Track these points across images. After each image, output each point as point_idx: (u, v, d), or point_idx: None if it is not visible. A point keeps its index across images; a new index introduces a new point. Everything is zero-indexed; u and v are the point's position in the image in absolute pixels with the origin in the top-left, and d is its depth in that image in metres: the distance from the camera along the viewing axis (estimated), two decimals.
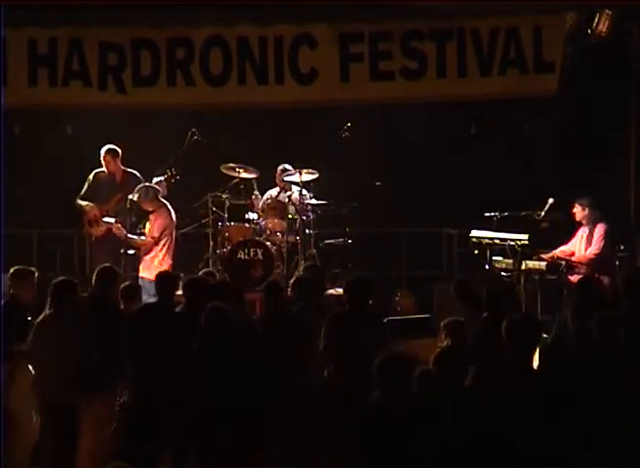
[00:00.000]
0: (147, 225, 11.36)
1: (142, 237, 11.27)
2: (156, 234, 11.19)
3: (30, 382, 7.55)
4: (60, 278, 8.04)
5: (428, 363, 7.90)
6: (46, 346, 7.64)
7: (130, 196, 11.16)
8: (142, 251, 11.25)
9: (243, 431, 6.87)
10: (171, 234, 11.30)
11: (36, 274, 8.35)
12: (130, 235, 11.16)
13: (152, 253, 11.20)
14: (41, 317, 7.89)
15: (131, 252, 11.26)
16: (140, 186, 11.17)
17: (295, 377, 7.23)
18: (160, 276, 8.44)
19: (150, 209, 11.29)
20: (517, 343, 6.27)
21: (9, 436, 7.16)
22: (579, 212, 10.92)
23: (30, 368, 7.64)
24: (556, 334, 7.44)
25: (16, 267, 8.30)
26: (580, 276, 10.52)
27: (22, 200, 12.20)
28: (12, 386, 7.39)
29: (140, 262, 11.24)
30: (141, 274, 11.09)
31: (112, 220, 11.27)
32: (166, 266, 10.98)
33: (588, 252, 10.80)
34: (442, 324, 7.77)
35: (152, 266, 11.03)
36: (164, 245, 11.20)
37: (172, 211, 11.34)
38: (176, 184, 11.50)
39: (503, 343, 6.38)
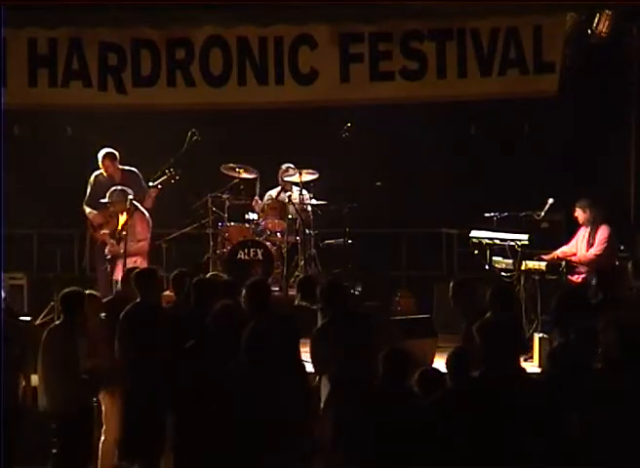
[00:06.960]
0: (121, 229, 11.05)
1: (132, 243, 10.95)
2: (148, 235, 11.12)
3: None
4: (72, 288, 7.96)
5: (428, 363, 7.92)
6: (55, 354, 7.70)
7: (129, 196, 11.13)
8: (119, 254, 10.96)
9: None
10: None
11: None
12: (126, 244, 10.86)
13: (136, 258, 10.90)
14: (52, 325, 8.02)
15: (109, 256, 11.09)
16: (111, 190, 11.05)
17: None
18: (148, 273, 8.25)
19: (122, 211, 11.06)
20: (490, 345, 6.20)
21: None
22: (580, 215, 10.84)
23: None
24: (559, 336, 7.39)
25: None
26: (582, 276, 10.57)
27: (23, 200, 12.18)
28: None
29: (115, 267, 10.96)
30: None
31: (107, 232, 11.14)
32: None
33: (590, 252, 10.77)
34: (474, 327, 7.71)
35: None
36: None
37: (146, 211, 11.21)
38: (175, 184, 11.50)
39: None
